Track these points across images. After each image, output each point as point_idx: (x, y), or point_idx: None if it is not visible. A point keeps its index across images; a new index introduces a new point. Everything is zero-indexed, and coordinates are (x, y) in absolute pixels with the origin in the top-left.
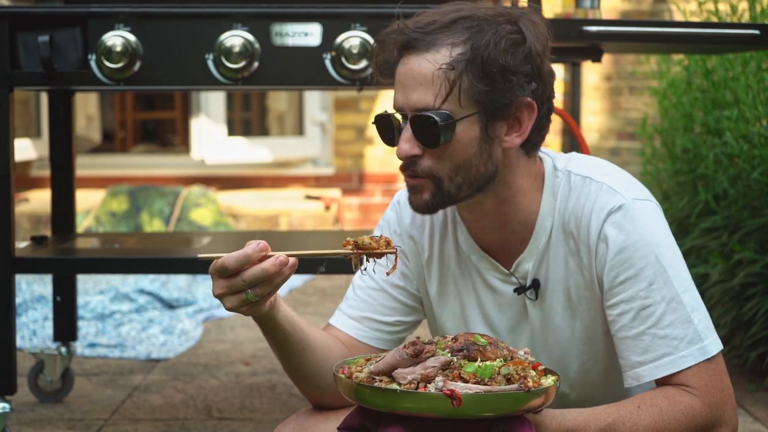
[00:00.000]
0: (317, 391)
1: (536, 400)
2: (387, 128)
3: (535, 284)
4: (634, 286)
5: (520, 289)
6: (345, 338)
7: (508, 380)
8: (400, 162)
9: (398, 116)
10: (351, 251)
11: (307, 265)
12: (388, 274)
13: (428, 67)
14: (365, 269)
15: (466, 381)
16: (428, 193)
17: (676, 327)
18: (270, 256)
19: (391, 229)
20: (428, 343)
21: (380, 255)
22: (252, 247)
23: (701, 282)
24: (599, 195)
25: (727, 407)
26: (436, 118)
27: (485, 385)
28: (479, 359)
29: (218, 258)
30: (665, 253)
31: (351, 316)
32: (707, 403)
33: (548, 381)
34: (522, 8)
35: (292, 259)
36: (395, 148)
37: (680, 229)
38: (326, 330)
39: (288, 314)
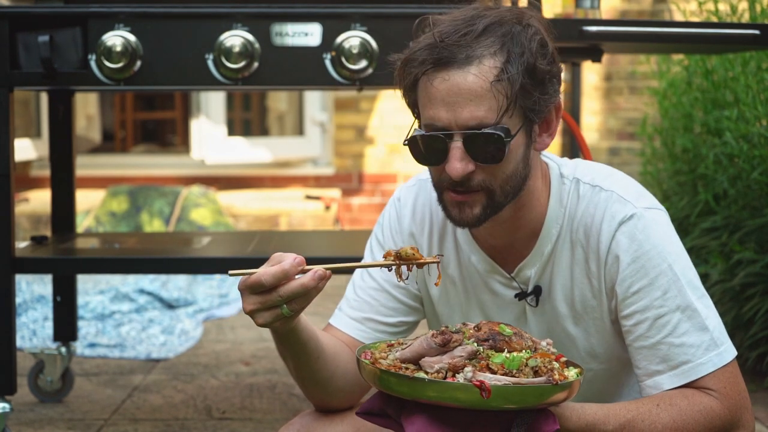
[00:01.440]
0: (325, 396)
1: (561, 393)
2: (428, 147)
3: (537, 291)
4: (649, 296)
5: (521, 295)
6: (347, 339)
7: (536, 372)
8: (439, 180)
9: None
10: (393, 262)
11: None
12: (436, 284)
13: (477, 82)
14: (407, 278)
15: (494, 372)
16: (479, 207)
17: (692, 335)
18: (306, 270)
19: (392, 228)
20: (456, 332)
21: (422, 264)
22: (289, 262)
23: (701, 282)
24: (609, 204)
25: (745, 410)
26: (501, 134)
27: (513, 376)
28: (506, 350)
29: (251, 274)
30: (677, 261)
31: (352, 317)
32: (726, 405)
33: (571, 374)
34: (526, 7)
35: (328, 272)
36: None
37: (680, 229)
38: (326, 330)
39: (306, 324)
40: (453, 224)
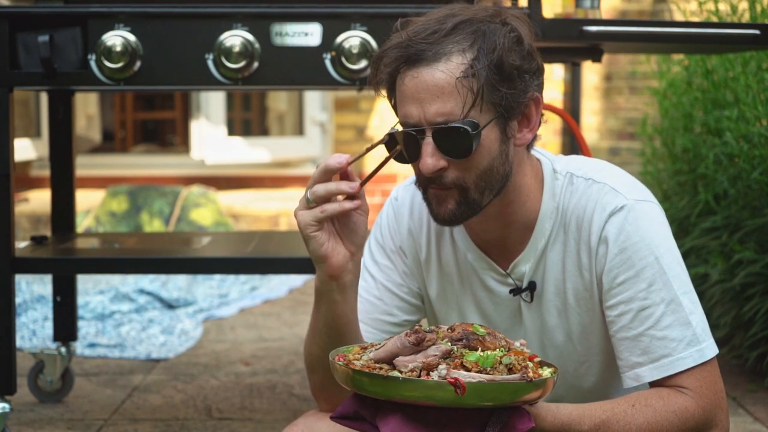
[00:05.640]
0: (336, 387)
1: (535, 392)
2: (404, 145)
3: (532, 286)
4: (634, 287)
5: (515, 291)
6: None
7: (510, 370)
8: (419, 177)
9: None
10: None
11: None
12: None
13: (444, 78)
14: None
15: (468, 370)
16: (453, 202)
17: (674, 329)
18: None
19: (390, 227)
20: (429, 332)
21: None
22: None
23: (701, 282)
24: (601, 196)
25: (719, 410)
26: (467, 128)
27: (487, 374)
28: (479, 349)
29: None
30: (665, 254)
31: (359, 318)
32: (701, 405)
33: (546, 372)
34: (506, 7)
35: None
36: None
37: (680, 229)
38: None
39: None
40: (435, 222)
